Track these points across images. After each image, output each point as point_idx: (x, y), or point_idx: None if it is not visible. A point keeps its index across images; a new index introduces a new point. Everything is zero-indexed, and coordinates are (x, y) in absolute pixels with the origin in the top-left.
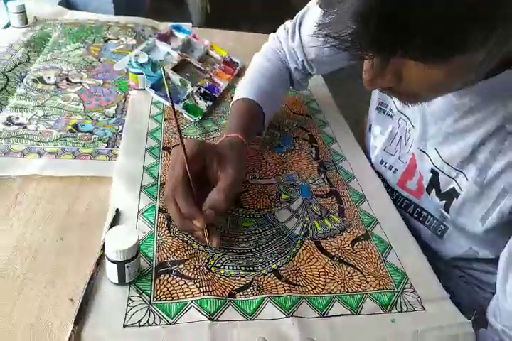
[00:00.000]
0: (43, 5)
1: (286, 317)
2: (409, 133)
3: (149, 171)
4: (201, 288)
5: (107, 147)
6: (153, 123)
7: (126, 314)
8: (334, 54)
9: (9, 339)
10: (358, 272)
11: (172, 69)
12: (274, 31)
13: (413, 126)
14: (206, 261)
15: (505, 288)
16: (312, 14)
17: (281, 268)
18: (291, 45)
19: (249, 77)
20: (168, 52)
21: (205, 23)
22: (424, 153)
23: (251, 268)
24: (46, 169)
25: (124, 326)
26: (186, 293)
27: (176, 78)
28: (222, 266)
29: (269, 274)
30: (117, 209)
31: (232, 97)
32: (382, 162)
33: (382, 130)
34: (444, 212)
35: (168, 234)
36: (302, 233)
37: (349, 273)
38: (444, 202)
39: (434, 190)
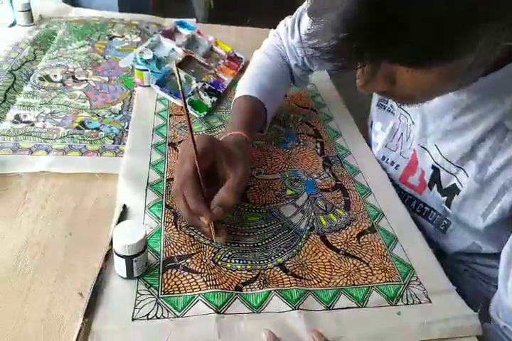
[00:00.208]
0: (48, 3)
1: (293, 310)
2: (410, 129)
3: (156, 167)
4: (208, 282)
5: (113, 143)
6: (159, 120)
7: (134, 307)
8: None
9: (21, 332)
10: (364, 265)
11: (177, 65)
12: (276, 27)
13: (413, 122)
14: (213, 255)
15: (506, 285)
16: None
17: (287, 262)
18: (291, 42)
19: (250, 73)
20: (173, 49)
21: (209, 18)
22: (425, 149)
23: (257, 262)
24: (54, 166)
25: (133, 319)
26: (193, 287)
27: (181, 74)
28: (229, 260)
29: (275, 268)
30: (124, 205)
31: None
32: (383, 158)
33: (384, 126)
34: (446, 207)
35: (175, 229)
36: (308, 228)
37: (355, 266)
38: (446, 197)
39: (435, 185)
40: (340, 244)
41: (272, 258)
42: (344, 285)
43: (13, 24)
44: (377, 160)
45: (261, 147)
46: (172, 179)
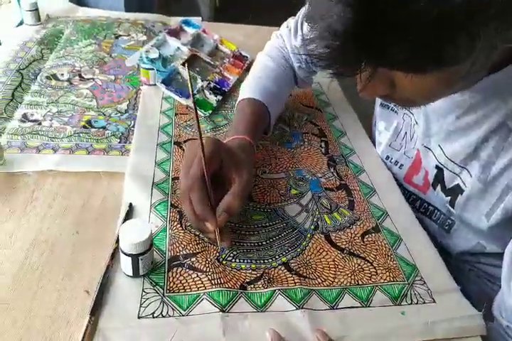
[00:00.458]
0: (55, 2)
1: (297, 309)
2: (414, 129)
3: (161, 166)
4: (213, 281)
5: (119, 142)
6: (164, 118)
7: (140, 306)
8: None
9: (29, 329)
10: (369, 264)
11: (182, 64)
12: (279, 26)
13: (417, 122)
14: (217, 254)
15: (509, 284)
16: None
17: (292, 261)
18: (294, 43)
19: (254, 76)
20: (178, 47)
21: (214, 17)
22: (429, 149)
23: (261, 261)
24: (61, 165)
25: (139, 317)
26: (198, 286)
27: (186, 73)
28: (234, 260)
29: (279, 267)
30: (130, 204)
31: None
32: (387, 158)
33: (387, 126)
34: (449, 207)
35: (180, 228)
36: (312, 227)
37: (359, 265)
38: (450, 197)
39: (439, 185)
40: (344, 243)
41: (277, 257)
42: (348, 284)
43: (21, 23)
44: (382, 159)
45: (266, 147)
46: (177, 178)
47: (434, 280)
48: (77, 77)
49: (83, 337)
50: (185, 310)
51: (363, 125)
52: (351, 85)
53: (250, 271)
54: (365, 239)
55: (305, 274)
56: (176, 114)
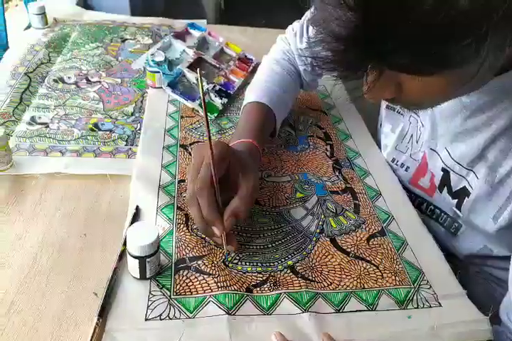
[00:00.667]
0: (62, 6)
1: (303, 312)
2: (420, 131)
3: (167, 169)
4: (219, 283)
5: (126, 145)
6: (170, 121)
7: (147, 308)
8: None
9: (38, 331)
10: (374, 268)
11: (188, 67)
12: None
13: (423, 124)
14: (223, 257)
15: None
16: None
17: (297, 264)
18: (299, 47)
19: (259, 80)
20: (184, 50)
21: (220, 19)
22: (435, 151)
23: (267, 264)
24: (69, 167)
25: (146, 319)
26: (205, 288)
27: (191, 76)
28: (239, 262)
29: (285, 270)
30: (137, 206)
31: None
32: (393, 160)
33: (393, 128)
34: (456, 210)
35: (187, 231)
36: (317, 230)
37: (365, 269)
38: (456, 200)
39: (445, 188)
40: (350, 246)
41: (282, 260)
42: (354, 288)
43: (29, 27)
44: (387, 162)
45: (271, 150)
46: (183, 180)
47: (440, 284)
48: (84, 80)
49: (91, 339)
50: (191, 313)
51: (368, 128)
52: (356, 88)
53: (256, 274)
54: (370, 243)
55: (311, 277)
56: (181, 117)
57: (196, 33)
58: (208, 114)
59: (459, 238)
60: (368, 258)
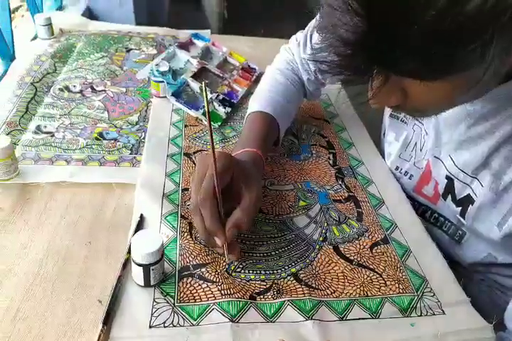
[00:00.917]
0: (68, 17)
1: (306, 320)
2: (424, 139)
3: (171, 177)
4: (223, 291)
5: (130, 154)
6: (174, 130)
7: (151, 315)
8: None
9: (43, 338)
10: (378, 276)
11: (192, 76)
12: (287, 38)
13: (427, 132)
14: (227, 266)
15: None
16: None
17: (300, 272)
18: (303, 56)
19: (263, 89)
20: (188, 60)
21: (223, 29)
22: (439, 159)
23: (271, 272)
24: (74, 176)
25: (150, 327)
26: (208, 296)
27: (195, 85)
28: (243, 271)
29: (288, 277)
30: (141, 215)
31: None
32: (397, 168)
33: (397, 136)
34: (460, 218)
35: (190, 239)
36: (321, 238)
37: (368, 276)
38: (460, 208)
39: (449, 196)
40: (353, 254)
41: (286, 267)
42: (357, 296)
43: (35, 38)
44: (391, 170)
45: (274, 159)
46: (187, 189)
47: (444, 291)
48: (89, 89)
49: None
50: (195, 320)
51: (371, 136)
52: (360, 93)
53: (259, 281)
54: (373, 251)
55: (314, 285)
56: (185, 126)
57: (200, 43)
58: (212, 122)
59: (463, 246)
60: (371, 266)
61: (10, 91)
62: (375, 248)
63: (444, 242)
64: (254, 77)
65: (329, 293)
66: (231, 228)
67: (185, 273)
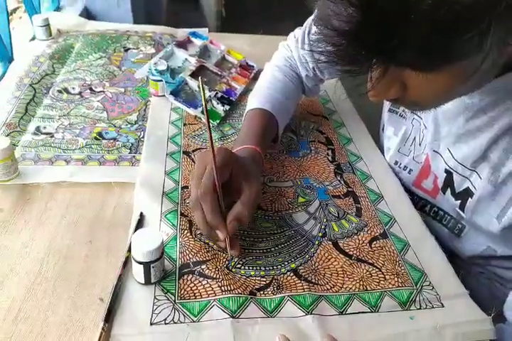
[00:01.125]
0: (66, 17)
1: (306, 314)
2: (423, 134)
3: (170, 175)
4: (223, 287)
5: (130, 153)
6: (173, 129)
7: (152, 312)
8: None
9: (45, 337)
10: (377, 270)
11: (190, 75)
12: (285, 35)
13: (426, 126)
14: (227, 262)
15: None
16: None
17: (300, 267)
18: (301, 53)
19: (261, 86)
20: (186, 59)
21: (221, 27)
22: (438, 153)
23: (271, 268)
24: (74, 176)
25: (151, 324)
26: (209, 292)
27: (193, 84)
28: (243, 267)
29: (288, 273)
30: (141, 213)
31: None
32: (396, 163)
33: (396, 131)
34: (459, 211)
35: (190, 236)
36: (320, 234)
37: (367, 271)
38: (460, 201)
39: (449, 189)
40: (352, 249)
41: (286, 263)
42: (357, 290)
43: (33, 38)
44: (390, 165)
45: (273, 155)
46: (186, 187)
47: (443, 285)
48: (88, 90)
49: None
50: (196, 317)
51: (370, 132)
52: (360, 84)
53: (259, 277)
54: (372, 245)
55: (314, 280)
56: (184, 124)
57: (198, 42)
58: (211, 120)
59: (462, 239)
60: (370, 261)
61: (9, 92)
62: (374, 242)
63: (444, 236)
64: (253, 74)
65: (329, 287)
66: (232, 221)
67: (186, 270)
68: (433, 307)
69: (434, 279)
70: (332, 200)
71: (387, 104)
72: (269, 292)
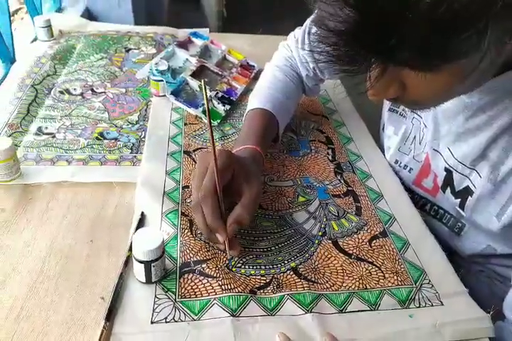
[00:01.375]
0: (67, 18)
1: (306, 313)
2: (423, 132)
3: (171, 175)
4: (223, 286)
5: (131, 153)
6: (174, 129)
7: (153, 311)
8: None
9: (46, 335)
10: (376, 268)
11: (191, 75)
12: (285, 35)
13: (426, 125)
14: (227, 261)
15: None
16: None
17: (300, 266)
18: (301, 53)
19: (262, 86)
20: (187, 59)
21: (222, 27)
22: (438, 152)
23: (271, 266)
24: (75, 176)
25: (152, 322)
26: (209, 291)
27: (194, 84)
28: (243, 266)
29: (288, 272)
30: (142, 213)
31: None
32: (396, 162)
33: (396, 130)
34: (459, 209)
35: (191, 236)
36: (320, 233)
37: (367, 269)
38: (459, 200)
39: (448, 188)
40: (352, 248)
41: (285, 262)
42: (356, 289)
43: (35, 40)
44: (390, 164)
45: (273, 155)
46: (187, 186)
47: (442, 283)
48: (89, 91)
49: None
50: (196, 315)
51: (370, 131)
52: (358, 86)
53: (260, 276)
54: (372, 244)
55: (313, 279)
56: (185, 124)
57: (199, 42)
58: (211, 120)
59: (462, 238)
60: (369, 260)
61: (11, 93)
62: (374, 241)
63: (444, 234)
64: (253, 74)
65: (328, 286)
66: (232, 224)
67: (186, 269)
68: (432, 306)
69: (434, 277)
70: (332, 199)
71: (387, 104)
72: (269, 290)
